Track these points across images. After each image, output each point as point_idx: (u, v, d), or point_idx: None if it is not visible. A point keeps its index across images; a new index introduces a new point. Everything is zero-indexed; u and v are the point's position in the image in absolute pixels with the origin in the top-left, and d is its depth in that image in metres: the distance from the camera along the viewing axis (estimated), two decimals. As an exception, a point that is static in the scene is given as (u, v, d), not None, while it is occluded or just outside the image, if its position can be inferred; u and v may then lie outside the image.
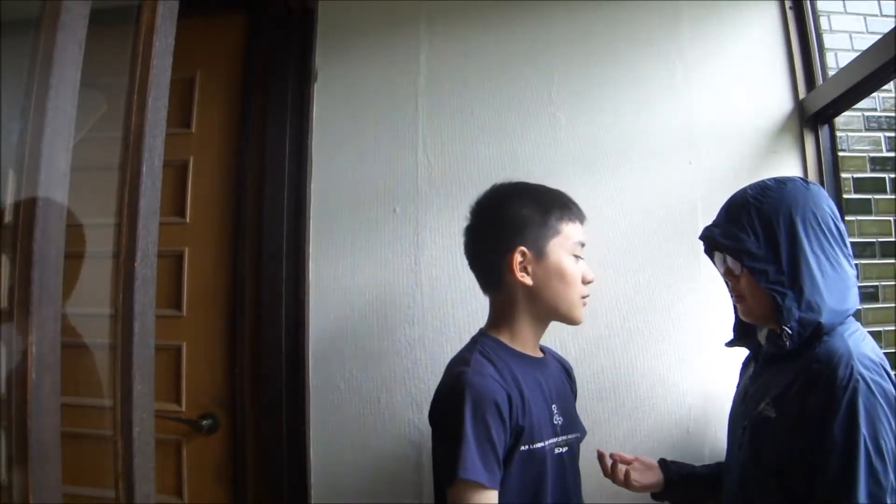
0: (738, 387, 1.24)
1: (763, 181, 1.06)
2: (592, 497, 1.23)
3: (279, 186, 1.62)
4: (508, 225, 1.07)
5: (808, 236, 0.97)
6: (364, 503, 1.52)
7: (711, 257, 1.14)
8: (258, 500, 1.55)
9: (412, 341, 1.56)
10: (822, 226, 0.99)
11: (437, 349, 1.55)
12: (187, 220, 1.67)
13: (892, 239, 1.61)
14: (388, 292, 1.59)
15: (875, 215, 1.62)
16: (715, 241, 1.06)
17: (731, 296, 1.13)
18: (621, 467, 1.20)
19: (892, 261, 1.57)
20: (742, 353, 1.23)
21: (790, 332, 0.95)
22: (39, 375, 0.52)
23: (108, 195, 0.66)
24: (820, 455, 0.88)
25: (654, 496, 1.24)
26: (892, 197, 1.65)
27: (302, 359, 1.57)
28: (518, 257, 1.05)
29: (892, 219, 1.63)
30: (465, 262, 1.57)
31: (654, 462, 1.24)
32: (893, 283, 1.54)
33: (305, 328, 1.58)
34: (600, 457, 1.22)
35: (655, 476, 1.21)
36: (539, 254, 1.06)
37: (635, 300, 1.51)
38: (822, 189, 1.05)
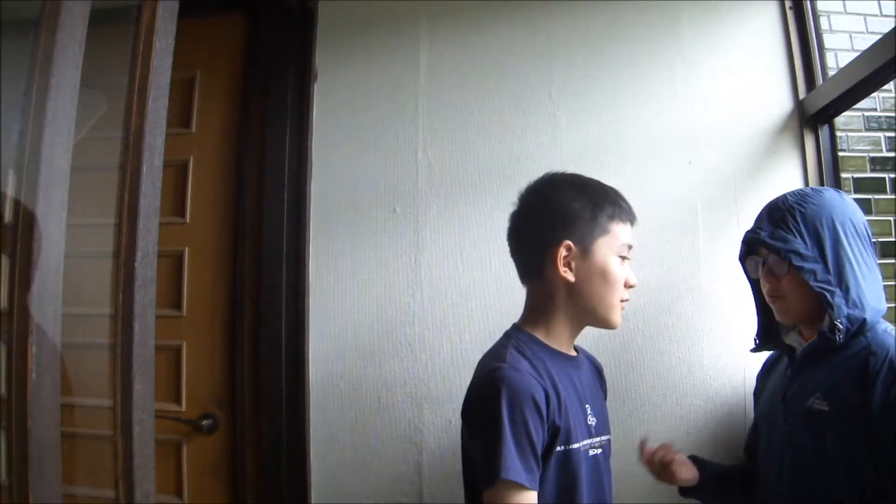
0: (757, 389, 1.27)
1: (800, 189, 1.14)
2: (622, 497, 1.22)
3: (279, 186, 1.62)
4: (557, 216, 1.03)
5: (848, 240, 1.04)
6: (364, 503, 1.52)
7: (743, 262, 1.18)
8: (258, 500, 1.55)
9: (412, 341, 1.56)
10: (858, 232, 1.06)
11: (437, 349, 1.55)
12: (187, 220, 1.67)
13: (892, 239, 1.61)
14: (388, 292, 1.59)
15: (875, 215, 1.62)
16: (763, 242, 1.10)
17: (758, 300, 1.17)
18: (672, 454, 1.18)
19: (892, 261, 1.57)
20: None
21: (841, 326, 1.00)
22: (39, 375, 0.52)
23: (108, 195, 0.66)
24: (886, 442, 0.94)
25: (681, 491, 1.24)
26: (892, 197, 1.65)
27: (302, 359, 1.57)
28: (563, 251, 1.01)
29: (892, 219, 1.63)
30: (466, 261, 1.59)
31: (686, 459, 1.23)
32: (894, 283, 1.54)
33: (305, 328, 1.58)
34: (643, 445, 1.20)
35: (689, 472, 1.20)
36: (585, 250, 1.02)
37: (635, 300, 1.49)
38: (852, 199, 1.12)
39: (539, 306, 1.07)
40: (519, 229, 1.09)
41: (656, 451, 1.20)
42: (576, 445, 0.98)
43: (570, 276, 1.01)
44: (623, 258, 1.05)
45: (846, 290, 1.02)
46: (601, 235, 1.02)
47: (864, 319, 1.01)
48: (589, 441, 1.02)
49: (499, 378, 0.93)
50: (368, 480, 1.53)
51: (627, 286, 1.05)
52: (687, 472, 1.20)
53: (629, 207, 1.07)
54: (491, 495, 0.91)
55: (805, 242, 1.05)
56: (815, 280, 1.03)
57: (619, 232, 1.04)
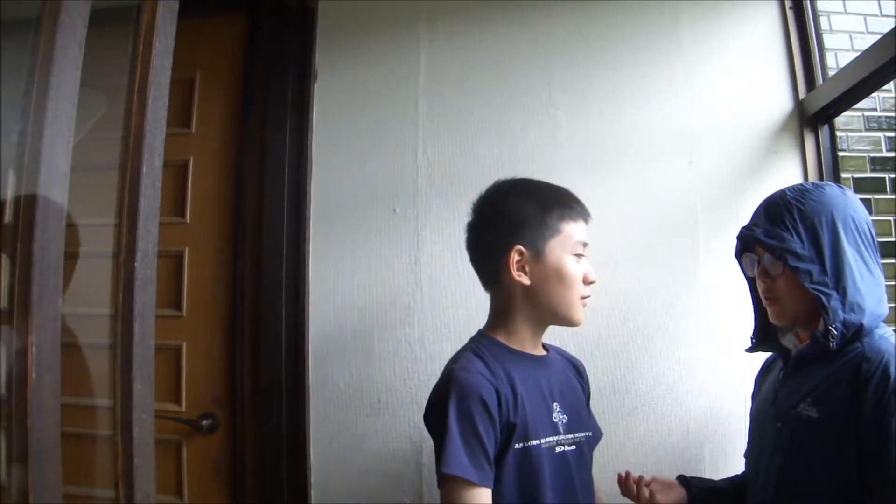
0: (755, 392, 1.24)
1: (800, 184, 1.08)
2: (611, 497, 1.22)
3: (279, 186, 1.63)
4: (506, 223, 1.06)
5: (848, 240, 0.99)
6: (364, 503, 1.52)
7: (739, 259, 1.14)
8: (258, 499, 1.55)
9: (412, 341, 1.56)
10: (860, 231, 1.01)
11: (437, 349, 1.54)
12: (187, 220, 1.67)
13: (892, 239, 1.61)
14: (388, 292, 1.59)
15: (875, 215, 1.62)
16: (758, 240, 1.06)
17: (755, 298, 1.14)
18: (645, 490, 1.16)
19: (892, 261, 1.57)
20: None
21: (836, 332, 0.96)
22: (39, 375, 0.52)
23: (108, 195, 0.66)
24: (877, 450, 0.90)
25: None
26: (892, 197, 1.66)
27: (302, 359, 1.57)
28: (515, 256, 1.04)
29: (892, 219, 1.63)
30: (466, 261, 1.58)
31: (672, 480, 1.21)
32: (894, 283, 1.54)
33: (305, 328, 1.58)
34: (622, 480, 1.19)
35: (677, 494, 1.18)
36: (537, 253, 1.04)
37: (635, 300, 1.51)
38: (856, 196, 1.07)
39: (500, 311, 1.10)
40: (474, 239, 1.12)
41: (634, 481, 1.17)
42: (536, 442, 0.99)
43: (525, 280, 1.04)
44: (579, 256, 1.06)
45: (843, 294, 0.97)
46: (552, 237, 1.05)
47: (862, 325, 0.96)
48: (554, 438, 1.03)
49: (449, 379, 0.98)
50: (368, 480, 1.53)
51: (587, 282, 1.07)
52: (673, 496, 1.18)
53: (581, 206, 1.09)
54: (442, 492, 0.93)
55: (802, 241, 1.00)
56: (811, 281, 0.98)
57: (572, 231, 1.06)
